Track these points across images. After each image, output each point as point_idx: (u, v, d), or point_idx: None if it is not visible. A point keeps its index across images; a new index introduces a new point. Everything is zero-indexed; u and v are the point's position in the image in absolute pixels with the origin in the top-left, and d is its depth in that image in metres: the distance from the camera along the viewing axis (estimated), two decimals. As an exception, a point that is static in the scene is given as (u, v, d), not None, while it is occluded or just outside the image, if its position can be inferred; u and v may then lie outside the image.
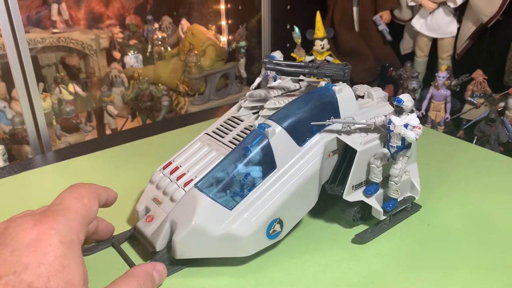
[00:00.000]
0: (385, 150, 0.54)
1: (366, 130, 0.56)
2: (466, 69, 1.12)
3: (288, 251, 0.54)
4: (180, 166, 0.55)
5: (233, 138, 0.56)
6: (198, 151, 0.56)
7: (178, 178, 0.54)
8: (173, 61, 1.28)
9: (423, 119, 1.07)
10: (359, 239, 0.55)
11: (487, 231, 0.57)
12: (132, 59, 1.37)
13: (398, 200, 0.57)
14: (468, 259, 0.52)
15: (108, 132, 1.18)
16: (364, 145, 0.54)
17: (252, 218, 0.49)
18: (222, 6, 1.37)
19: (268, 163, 0.51)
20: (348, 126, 0.54)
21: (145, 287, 0.42)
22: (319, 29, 1.10)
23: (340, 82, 0.58)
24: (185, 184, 0.52)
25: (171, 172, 0.55)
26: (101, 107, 1.17)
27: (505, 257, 0.53)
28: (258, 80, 0.73)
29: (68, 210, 0.39)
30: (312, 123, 0.53)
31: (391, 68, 1.20)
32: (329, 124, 0.53)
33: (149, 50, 1.40)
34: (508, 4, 1.05)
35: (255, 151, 0.50)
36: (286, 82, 0.64)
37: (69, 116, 1.07)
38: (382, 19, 1.23)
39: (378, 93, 0.61)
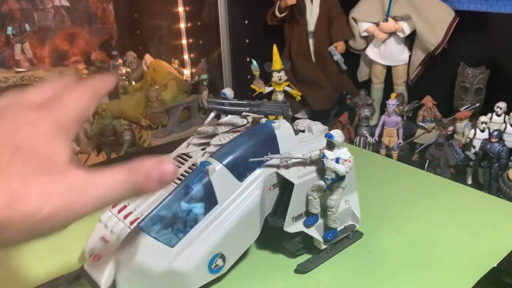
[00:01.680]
0: (321, 182, 0.57)
1: (303, 163, 0.58)
2: (420, 94, 1.16)
3: (232, 283, 0.55)
4: (128, 204, 0.57)
5: (181, 175, 0.57)
6: None
7: (125, 217, 0.55)
8: (136, 95, 1.30)
9: (378, 145, 1.10)
10: (301, 269, 0.57)
11: (426, 256, 0.60)
12: (97, 94, 1.38)
13: (338, 229, 0.60)
14: (407, 285, 0.55)
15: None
16: (301, 178, 0.56)
17: (193, 254, 0.50)
18: (184, 41, 1.40)
19: (209, 199, 0.52)
20: (285, 160, 0.56)
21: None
22: (276, 61, 1.14)
23: (280, 119, 0.61)
24: (131, 223, 0.53)
25: (119, 211, 0.56)
26: (64, 144, 1.18)
27: (443, 280, 0.55)
28: (211, 115, 0.75)
29: (66, 106, 0.37)
30: (250, 159, 0.56)
31: (348, 96, 1.25)
32: (267, 160, 0.56)
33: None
34: (453, 33, 1.11)
35: (197, 188, 0.52)
36: (235, 117, 0.67)
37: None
38: (337, 49, 1.28)
39: (317, 127, 0.64)
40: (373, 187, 0.77)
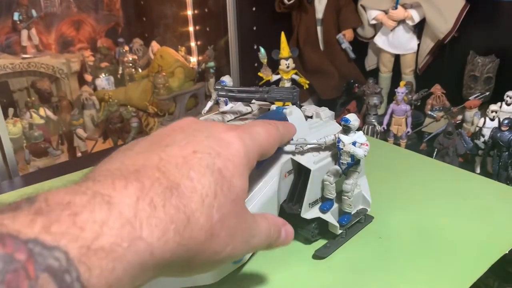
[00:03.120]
0: (337, 167, 0.56)
1: (317, 149, 0.58)
2: (428, 83, 1.16)
3: (250, 272, 0.55)
4: None
5: None
6: None
7: None
8: (143, 82, 1.30)
9: (386, 134, 1.10)
10: (320, 255, 0.57)
11: (437, 242, 0.60)
12: (103, 81, 1.38)
13: (352, 213, 0.60)
14: (418, 271, 0.55)
15: (78, 154, 1.19)
16: (317, 163, 0.56)
17: None
18: (191, 28, 1.40)
19: None
20: (300, 147, 0.56)
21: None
22: (284, 49, 1.13)
23: (290, 105, 0.60)
24: None
25: None
26: (71, 130, 1.18)
27: (454, 267, 0.55)
28: (209, 104, 0.74)
29: (257, 135, 0.39)
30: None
31: (356, 84, 1.24)
32: (283, 146, 0.56)
33: (120, 72, 1.42)
34: (463, 21, 1.10)
35: None
36: (238, 106, 0.66)
37: (37, 140, 1.08)
38: (345, 37, 1.27)
39: (325, 112, 0.63)
40: (384, 174, 0.77)
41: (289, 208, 0.57)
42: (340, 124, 0.56)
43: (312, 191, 0.56)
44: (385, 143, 1.00)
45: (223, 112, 0.65)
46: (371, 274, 0.54)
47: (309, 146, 0.56)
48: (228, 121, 0.62)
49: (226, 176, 0.32)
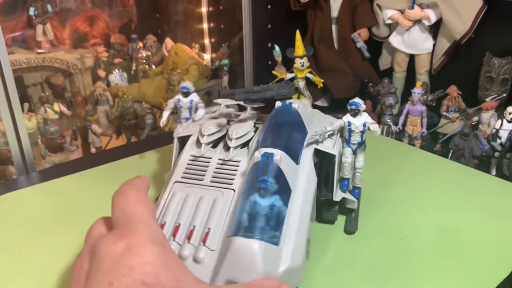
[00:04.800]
0: (349, 149, 0.61)
1: (330, 135, 0.61)
2: (443, 84, 1.15)
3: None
4: (179, 224, 0.50)
5: (214, 177, 0.54)
6: (185, 203, 0.52)
7: (188, 238, 0.49)
8: (157, 79, 1.30)
9: (400, 134, 1.10)
10: (352, 230, 0.63)
11: (457, 245, 0.60)
12: (117, 77, 1.39)
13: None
14: (437, 272, 0.55)
15: (92, 150, 1.19)
16: (336, 148, 0.60)
17: (297, 246, 0.48)
18: (205, 25, 1.40)
19: (284, 189, 0.50)
20: (323, 135, 0.58)
21: None
22: (299, 48, 1.13)
23: (293, 99, 0.62)
24: (204, 241, 0.48)
25: (174, 234, 0.49)
26: (85, 126, 1.19)
27: (474, 270, 0.55)
28: (166, 114, 0.75)
29: (137, 216, 0.38)
30: (306, 140, 0.57)
31: (370, 84, 1.24)
32: (315, 138, 0.57)
33: (133, 68, 1.42)
34: (480, 22, 1.09)
35: (271, 181, 0.49)
36: (224, 110, 0.65)
37: (53, 136, 1.08)
38: (360, 36, 1.27)
39: (306, 101, 0.67)
40: (402, 174, 0.77)
41: (322, 195, 0.60)
42: (348, 109, 0.61)
43: (335, 175, 0.60)
44: (402, 144, 1.00)
45: (196, 120, 0.66)
46: (392, 275, 0.54)
47: (328, 133, 0.59)
48: (232, 125, 0.60)
49: (150, 281, 0.32)
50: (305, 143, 0.56)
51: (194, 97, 0.74)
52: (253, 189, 0.48)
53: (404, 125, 1.09)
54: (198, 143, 0.59)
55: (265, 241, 0.45)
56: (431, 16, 1.15)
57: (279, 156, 0.51)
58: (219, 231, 0.48)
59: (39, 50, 1.30)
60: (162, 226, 0.50)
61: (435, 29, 1.20)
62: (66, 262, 0.58)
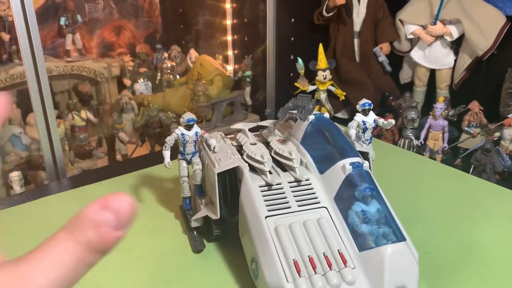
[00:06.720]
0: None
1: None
2: (463, 99, 1.16)
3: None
4: (310, 256, 0.50)
5: (298, 200, 0.56)
6: (294, 234, 0.53)
7: (329, 265, 0.49)
8: (181, 89, 1.33)
9: (421, 148, 1.11)
10: None
11: (481, 260, 0.61)
12: (142, 86, 1.42)
13: None
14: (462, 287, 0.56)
15: (118, 157, 1.22)
16: (362, 147, 0.66)
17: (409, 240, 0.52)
18: (229, 37, 1.42)
19: (378, 192, 0.55)
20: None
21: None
22: (322, 60, 1.15)
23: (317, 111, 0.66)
24: (344, 262, 0.49)
25: (314, 268, 0.49)
26: (112, 134, 1.22)
27: (494, 285, 0.56)
28: (168, 153, 0.69)
29: None
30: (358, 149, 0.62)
31: (391, 98, 1.25)
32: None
33: (158, 78, 1.45)
34: (502, 39, 1.10)
35: (369, 188, 0.53)
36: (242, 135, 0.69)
37: (83, 143, 1.11)
38: (382, 50, 1.29)
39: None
40: (426, 189, 0.78)
41: None
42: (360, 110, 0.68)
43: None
44: (423, 158, 1.01)
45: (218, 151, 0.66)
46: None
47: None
48: (276, 145, 0.63)
49: None
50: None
51: (197, 128, 0.68)
52: (353, 199, 0.53)
53: (425, 139, 1.10)
54: (255, 172, 0.59)
55: (400, 242, 0.50)
56: (454, 32, 1.17)
57: (362, 162, 0.56)
58: (345, 249, 0.51)
59: (68, 59, 1.34)
60: (296, 263, 0.49)
61: (456, 45, 1.22)
62: (93, 269, 0.61)
